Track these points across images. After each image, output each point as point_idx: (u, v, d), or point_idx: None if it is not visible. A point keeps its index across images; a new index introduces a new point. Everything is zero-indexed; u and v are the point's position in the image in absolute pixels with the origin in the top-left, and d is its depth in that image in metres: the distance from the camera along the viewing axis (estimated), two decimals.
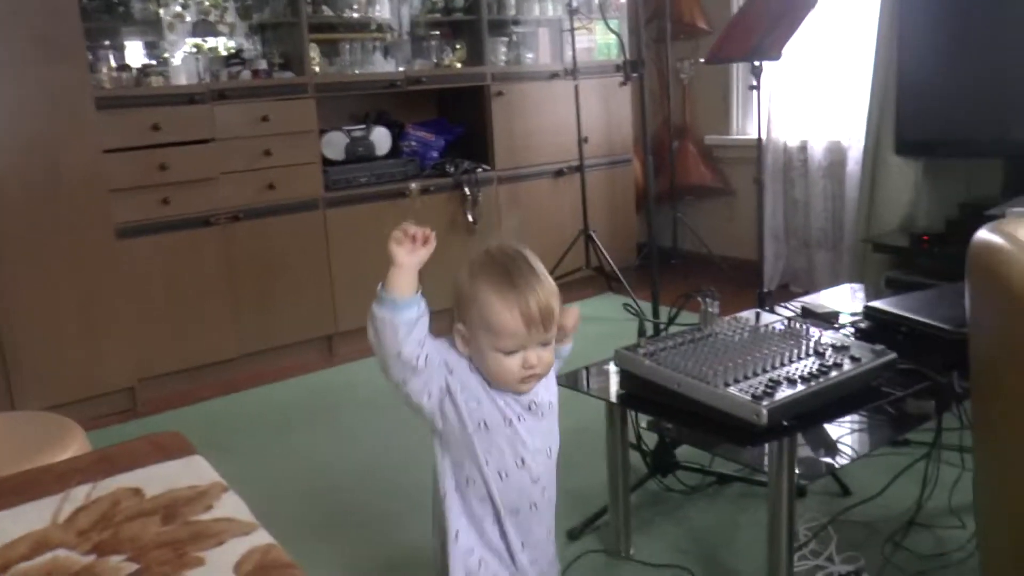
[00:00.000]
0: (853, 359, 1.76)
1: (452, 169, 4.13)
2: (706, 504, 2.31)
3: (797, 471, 1.76)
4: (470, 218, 4.12)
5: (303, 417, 3.18)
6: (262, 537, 1.19)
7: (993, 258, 1.43)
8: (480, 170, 4.18)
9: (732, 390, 1.61)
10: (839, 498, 2.24)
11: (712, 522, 2.23)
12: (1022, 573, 1.40)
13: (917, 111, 3.45)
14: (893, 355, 1.79)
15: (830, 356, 1.76)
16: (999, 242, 1.45)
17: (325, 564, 2.15)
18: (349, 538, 2.30)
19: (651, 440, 2.37)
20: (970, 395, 1.60)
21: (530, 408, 1.42)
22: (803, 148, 4.22)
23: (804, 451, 2.06)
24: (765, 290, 3.44)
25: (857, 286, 2.80)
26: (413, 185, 3.99)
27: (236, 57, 3.71)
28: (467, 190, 4.11)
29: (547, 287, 1.34)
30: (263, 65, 3.71)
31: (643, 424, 2.31)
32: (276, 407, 3.30)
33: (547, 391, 1.46)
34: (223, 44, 3.74)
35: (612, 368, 1.95)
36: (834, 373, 1.70)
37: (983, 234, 1.51)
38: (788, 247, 4.38)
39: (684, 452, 2.39)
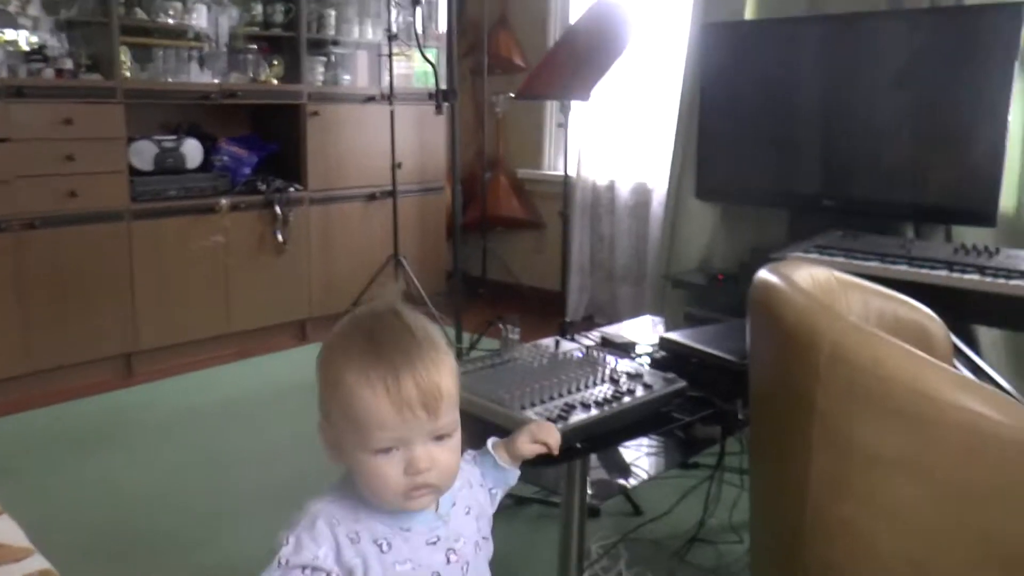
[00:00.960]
0: (646, 386, 1.86)
1: (264, 187, 4.07)
2: (503, 525, 2.35)
3: (590, 491, 1.85)
4: (280, 238, 4.07)
5: (96, 438, 3.02)
6: (37, 563, 1.14)
7: (769, 296, 1.57)
8: (292, 189, 4.15)
9: (528, 413, 1.68)
10: (631, 517, 2.36)
11: (509, 543, 2.29)
12: None
13: (715, 159, 3.70)
14: (683, 383, 1.91)
15: (624, 383, 1.86)
16: (775, 282, 1.59)
17: None
18: (140, 563, 2.21)
19: None
20: (749, 421, 1.74)
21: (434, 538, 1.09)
22: (611, 187, 4.43)
23: (599, 473, 2.16)
24: (569, 320, 3.57)
25: (657, 319, 2.95)
26: (223, 201, 3.90)
27: (38, 53, 3.51)
28: (278, 209, 4.06)
29: (430, 358, 1.02)
30: (69, 64, 3.54)
31: None
32: (68, 427, 3.12)
33: (464, 511, 1.15)
34: (25, 38, 3.54)
35: None
36: (627, 399, 1.79)
37: (762, 274, 1.66)
38: (593, 280, 4.56)
39: None
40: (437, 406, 1.01)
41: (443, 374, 1.02)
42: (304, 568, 1.01)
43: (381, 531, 1.06)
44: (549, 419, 1.66)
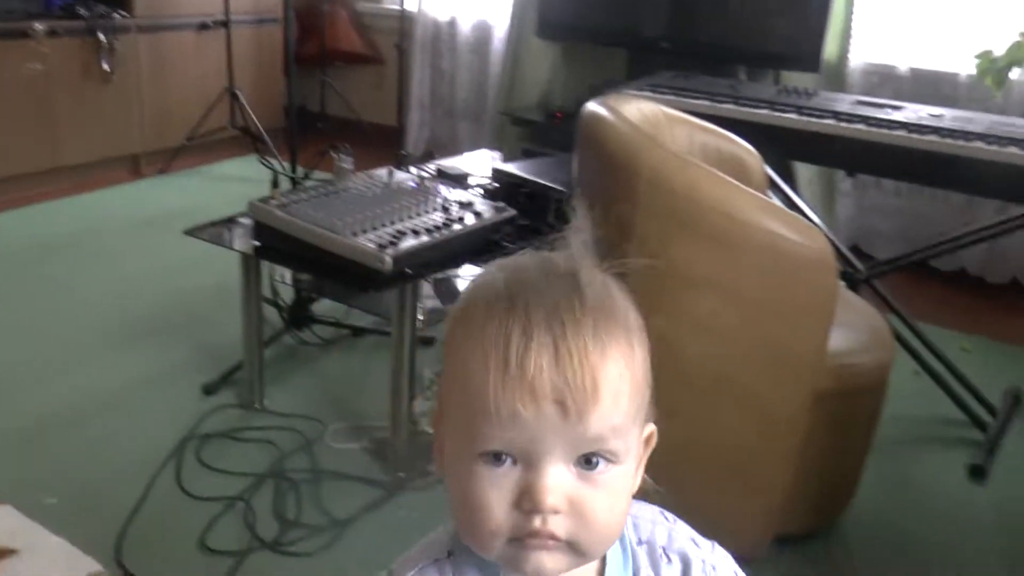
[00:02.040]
0: (476, 214, 1.90)
1: (85, 12, 3.75)
2: (340, 356, 2.41)
3: (421, 317, 1.90)
4: (106, 67, 3.79)
5: None
6: None
7: (595, 126, 1.61)
8: (117, 15, 3.84)
9: (360, 240, 1.69)
10: None
11: (344, 373, 2.33)
12: None
13: None
14: (513, 212, 1.95)
15: (455, 212, 1.89)
16: (602, 113, 1.62)
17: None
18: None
19: (288, 295, 2.41)
20: None
21: None
22: (452, 23, 4.33)
23: (436, 303, 2.21)
24: (406, 153, 3.54)
25: (495, 153, 2.97)
26: (38, 26, 3.58)
27: None
28: (102, 36, 3.77)
29: (597, 332, 0.63)
30: None
31: (278, 278, 2.33)
32: None
33: None
34: None
35: (247, 221, 1.94)
36: (457, 226, 1.83)
37: (591, 106, 1.69)
38: (433, 116, 4.52)
39: (321, 307, 2.46)
40: (585, 402, 0.61)
41: (610, 360, 0.63)
42: None
43: None
44: (380, 245, 1.67)
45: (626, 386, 0.64)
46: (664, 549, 0.77)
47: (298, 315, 2.39)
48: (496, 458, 0.63)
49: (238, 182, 3.86)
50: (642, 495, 0.75)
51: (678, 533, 0.79)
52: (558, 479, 0.63)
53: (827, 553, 1.78)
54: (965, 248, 2.91)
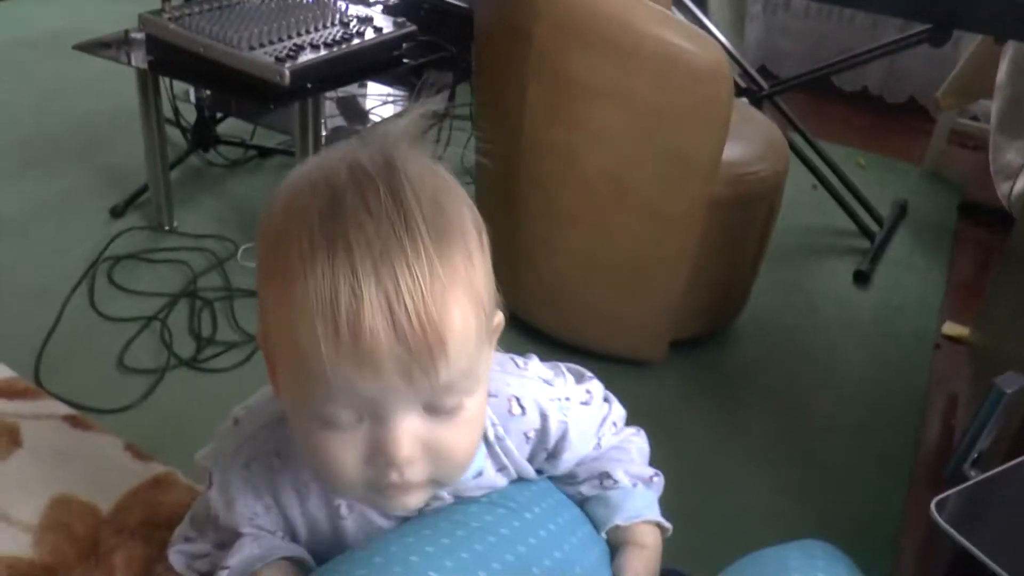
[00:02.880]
0: (376, 29, 1.86)
1: None
2: (247, 177, 2.39)
3: (324, 133, 1.89)
4: None
5: None
6: None
7: None
8: None
9: (257, 53, 1.65)
10: None
11: (252, 193, 2.32)
12: (499, 214, 1.67)
13: None
14: (413, 27, 1.92)
15: (355, 26, 1.85)
16: None
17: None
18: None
19: (192, 116, 2.35)
20: (475, 67, 1.80)
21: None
22: None
23: (340, 121, 2.19)
24: None
25: None
26: None
27: None
28: None
29: (433, 264, 0.57)
30: None
31: (180, 96, 2.27)
32: None
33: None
34: None
35: (139, 36, 1.87)
36: (356, 41, 1.79)
37: None
38: None
39: (226, 127, 2.41)
40: (429, 363, 0.57)
41: (452, 306, 0.57)
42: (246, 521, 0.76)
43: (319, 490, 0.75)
44: (277, 59, 1.64)
45: (472, 322, 0.59)
46: (514, 398, 0.75)
47: (203, 135, 2.34)
48: (337, 420, 0.60)
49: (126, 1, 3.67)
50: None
51: (529, 379, 0.77)
52: (409, 430, 0.60)
53: (722, 355, 1.90)
54: (866, 66, 2.98)
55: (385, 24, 1.88)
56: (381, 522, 0.74)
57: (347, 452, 0.60)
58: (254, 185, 2.35)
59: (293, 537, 0.77)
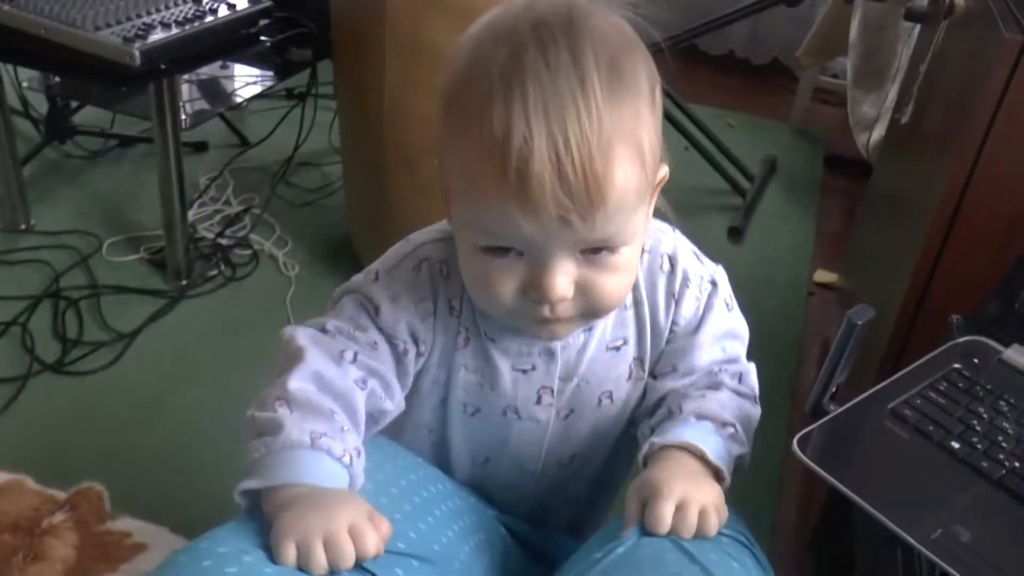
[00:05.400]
0: (230, 6, 1.80)
1: None
2: (109, 168, 2.29)
3: (184, 116, 1.82)
4: None
5: None
6: None
7: None
8: None
9: (103, 33, 1.57)
10: (238, 149, 2.36)
11: (116, 184, 2.22)
12: (366, 190, 1.65)
13: None
14: (269, 3, 1.86)
15: (207, 3, 1.78)
16: None
17: None
18: None
19: (43, 106, 2.24)
20: (333, 41, 1.76)
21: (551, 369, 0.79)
22: None
23: (201, 105, 2.12)
24: None
25: None
26: None
27: None
28: None
29: (602, 117, 0.60)
30: None
31: (26, 84, 2.16)
32: None
33: (605, 342, 0.79)
34: None
35: None
36: (209, 18, 1.73)
37: None
38: None
39: (83, 117, 2.30)
40: (589, 213, 0.61)
41: (617, 161, 0.61)
42: (404, 323, 0.76)
43: (471, 317, 0.77)
44: (126, 39, 1.57)
45: (633, 178, 0.62)
46: (667, 256, 0.79)
47: (57, 126, 2.23)
48: (500, 251, 0.65)
49: None
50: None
51: (682, 246, 0.81)
52: (564, 271, 0.65)
53: None
54: (731, 30, 3.05)
55: (239, 0, 1.82)
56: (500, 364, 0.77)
57: (505, 281, 0.66)
58: (117, 176, 2.26)
59: (414, 368, 0.78)
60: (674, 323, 0.79)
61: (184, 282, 1.85)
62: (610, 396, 0.80)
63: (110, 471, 1.39)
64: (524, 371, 0.77)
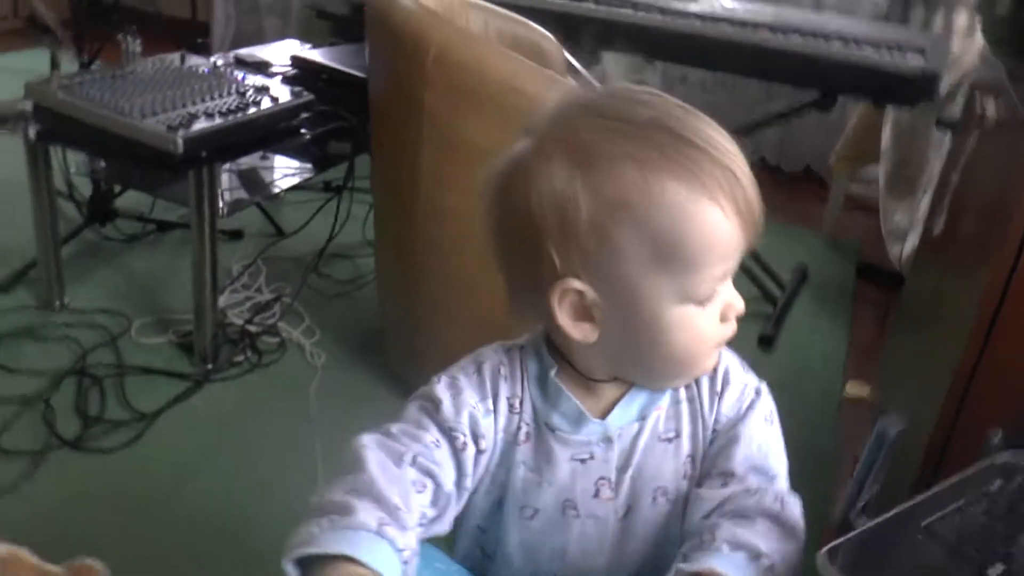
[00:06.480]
0: (273, 99, 1.85)
1: None
2: (145, 251, 2.33)
3: (222, 204, 1.85)
4: None
5: None
6: None
7: (383, 6, 1.58)
8: None
9: (149, 122, 1.62)
10: (274, 238, 2.39)
11: (151, 268, 2.26)
12: (397, 283, 1.65)
13: None
14: (310, 96, 1.91)
15: (251, 96, 1.84)
16: None
17: None
18: None
19: (87, 189, 2.29)
20: (371, 135, 1.79)
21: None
22: None
23: (239, 194, 2.16)
24: (201, 40, 3.38)
25: (306, 44, 2.87)
26: None
27: None
28: None
29: (739, 152, 0.71)
30: None
31: (73, 169, 2.21)
32: None
33: (658, 432, 0.82)
34: None
35: (27, 107, 1.82)
36: (252, 110, 1.78)
37: None
38: (239, 10, 4.34)
39: (124, 201, 2.35)
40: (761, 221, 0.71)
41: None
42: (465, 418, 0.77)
43: (531, 412, 0.80)
44: (170, 127, 1.61)
45: None
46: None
47: (99, 209, 2.27)
48: (713, 291, 0.71)
49: (23, 75, 3.60)
50: None
51: (726, 353, 0.83)
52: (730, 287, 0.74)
53: None
54: (762, 138, 3.09)
55: (282, 94, 1.87)
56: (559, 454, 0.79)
57: (709, 320, 0.72)
58: (152, 259, 2.29)
59: (474, 468, 0.78)
60: (716, 420, 0.80)
61: (210, 366, 1.85)
62: (665, 493, 0.80)
63: (117, 552, 1.36)
64: (583, 460, 0.78)
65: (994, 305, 0.99)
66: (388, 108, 1.60)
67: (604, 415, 0.78)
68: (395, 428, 0.76)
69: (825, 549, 0.66)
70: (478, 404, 0.77)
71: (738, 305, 0.74)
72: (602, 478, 0.79)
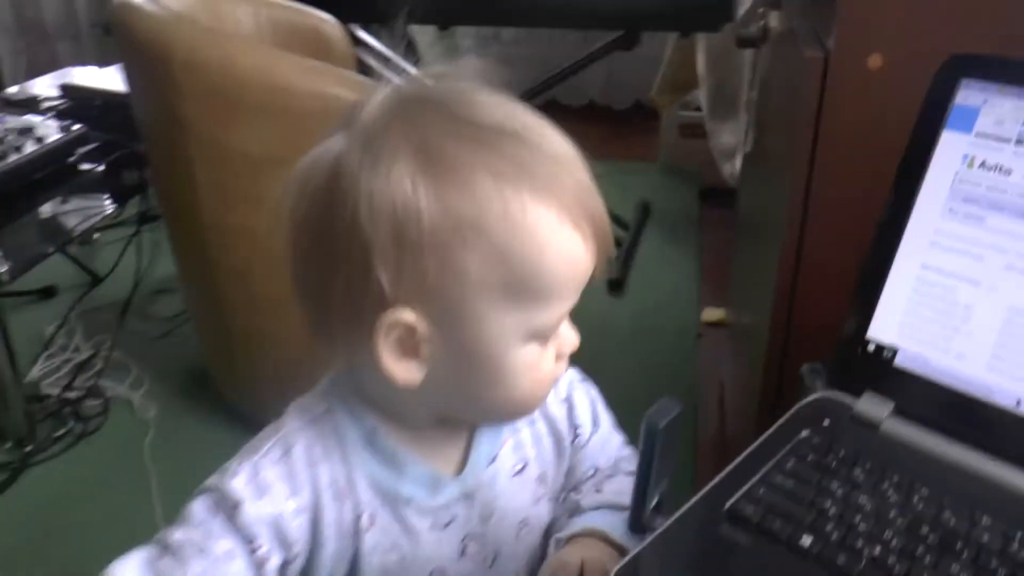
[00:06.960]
0: (38, 140, 1.68)
1: None
2: None
3: (4, 269, 1.67)
4: None
5: None
6: None
7: (126, 15, 1.43)
8: None
9: None
10: (88, 287, 2.20)
11: None
12: (206, 312, 1.52)
13: None
14: (81, 128, 1.75)
15: (10, 141, 1.66)
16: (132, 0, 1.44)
17: None
18: None
19: None
20: (148, 159, 1.63)
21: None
22: None
23: (35, 249, 1.96)
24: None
25: (95, 67, 2.64)
26: None
27: None
28: None
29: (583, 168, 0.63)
30: None
31: None
32: None
33: (513, 466, 0.75)
34: None
35: None
36: (13, 157, 1.61)
37: None
38: (27, 41, 4.03)
39: None
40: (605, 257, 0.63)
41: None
42: (269, 523, 0.63)
43: (370, 490, 0.67)
44: None
45: None
46: None
47: None
48: (558, 324, 0.63)
49: None
50: None
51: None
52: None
53: None
54: (587, 80, 3.03)
55: (49, 131, 1.70)
56: (417, 524, 0.68)
57: (549, 359, 0.64)
58: None
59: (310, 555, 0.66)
60: (576, 436, 0.77)
61: (28, 448, 1.67)
62: (526, 523, 0.74)
63: None
64: (446, 524, 0.69)
65: (800, 214, 0.94)
66: (152, 126, 1.46)
67: (458, 468, 0.69)
68: (177, 536, 0.61)
69: (616, 570, 0.56)
70: (288, 501, 0.63)
71: (574, 341, 0.66)
72: (467, 536, 0.70)
